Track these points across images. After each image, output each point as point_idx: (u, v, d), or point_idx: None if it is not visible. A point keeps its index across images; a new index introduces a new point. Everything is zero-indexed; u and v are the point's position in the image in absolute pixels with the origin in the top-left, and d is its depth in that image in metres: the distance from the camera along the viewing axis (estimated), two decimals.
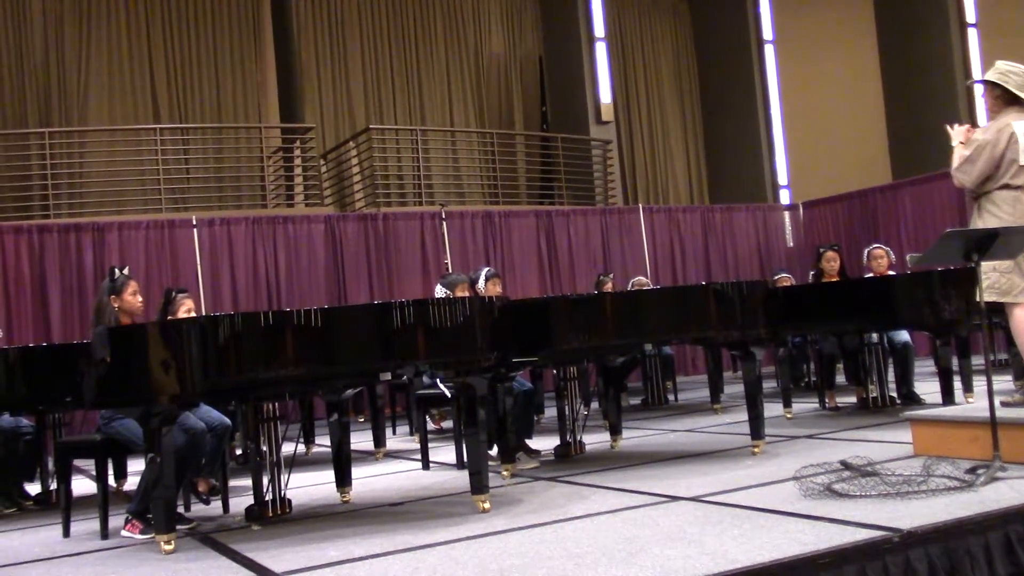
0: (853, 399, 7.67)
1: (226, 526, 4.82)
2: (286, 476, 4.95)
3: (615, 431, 6.60)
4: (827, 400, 7.76)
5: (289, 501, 4.89)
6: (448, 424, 8.32)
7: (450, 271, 10.48)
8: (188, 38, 14.07)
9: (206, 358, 4.14)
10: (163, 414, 4.19)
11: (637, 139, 17.01)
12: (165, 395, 4.16)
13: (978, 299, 4.51)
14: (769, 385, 9.36)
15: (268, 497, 4.77)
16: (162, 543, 4.18)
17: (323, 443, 7.41)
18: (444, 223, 11.83)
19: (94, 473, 4.98)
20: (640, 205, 14.25)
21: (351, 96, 15.02)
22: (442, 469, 6.24)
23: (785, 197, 16.19)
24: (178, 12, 14.02)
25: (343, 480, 5.26)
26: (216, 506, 5.28)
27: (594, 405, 8.65)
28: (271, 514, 4.75)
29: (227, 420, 5.21)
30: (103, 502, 4.79)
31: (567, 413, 6.23)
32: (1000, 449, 4.19)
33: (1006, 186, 4.78)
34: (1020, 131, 4.75)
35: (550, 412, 8.03)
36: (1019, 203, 4.75)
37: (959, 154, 4.98)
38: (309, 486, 5.89)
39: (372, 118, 14.71)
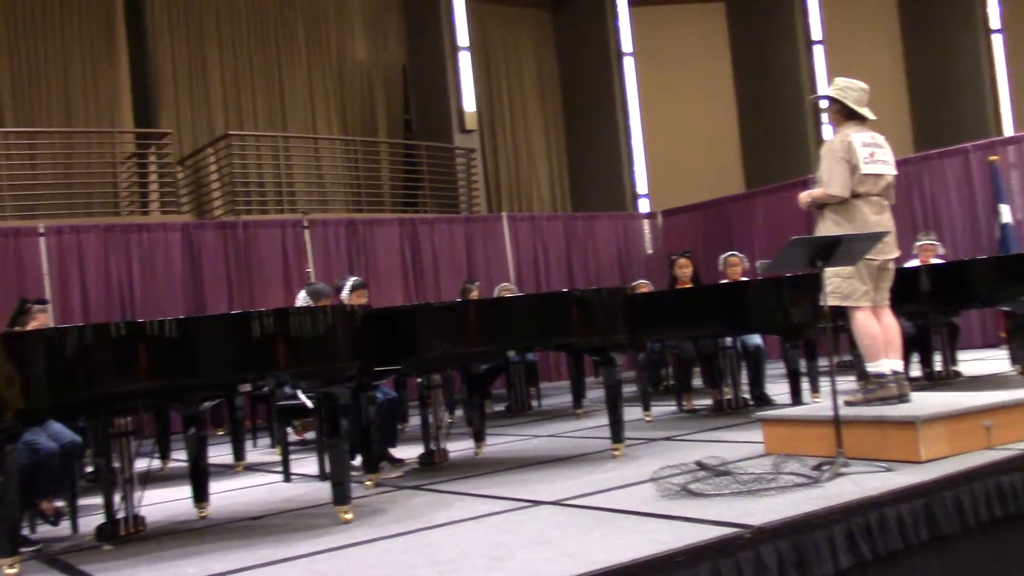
0: (709, 401, 7.91)
1: (76, 547, 4.62)
2: (140, 492, 4.78)
3: (479, 438, 6.63)
4: (684, 403, 7.98)
5: (143, 518, 4.73)
6: (311, 435, 8.19)
7: (313, 280, 10.33)
8: (35, 39, 13.41)
9: (53, 372, 3.97)
10: (6, 431, 3.98)
11: (501, 148, 17.16)
12: (9, 411, 3.95)
13: (822, 303, 4.73)
14: (629, 389, 9.55)
15: (120, 515, 4.60)
16: (5, 567, 3.98)
17: (180, 457, 7.19)
18: (306, 231, 11.66)
19: None
20: (504, 213, 14.38)
21: (210, 101, 14.63)
22: (304, 481, 6.14)
23: (644, 206, 16.65)
24: (23, 11, 13.38)
25: (200, 495, 5.11)
26: (65, 526, 5.06)
27: (458, 412, 8.66)
28: (124, 532, 4.57)
29: (77, 437, 5.00)
30: None
31: (431, 421, 6.23)
32: (843, 446, 4.40)
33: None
34: (858, 142, 5.04)
35: (414, 420, 8.00)
36: (859, 211, 5.02)
37: (819, 186, 5.18)
38: (165, 502, 5.70)
39: (232, 124, 14.36)
